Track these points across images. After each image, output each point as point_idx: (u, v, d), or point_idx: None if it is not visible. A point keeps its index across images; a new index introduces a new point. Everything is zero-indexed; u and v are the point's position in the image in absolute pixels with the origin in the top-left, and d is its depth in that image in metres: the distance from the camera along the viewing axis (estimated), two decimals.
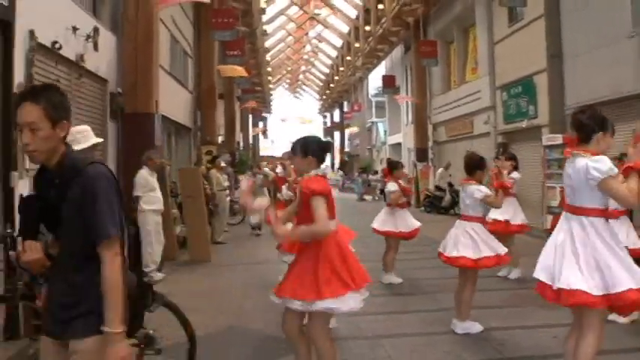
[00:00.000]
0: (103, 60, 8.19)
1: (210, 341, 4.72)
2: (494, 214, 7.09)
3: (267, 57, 35.94)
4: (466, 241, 4.82)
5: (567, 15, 11.96)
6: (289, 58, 45.02)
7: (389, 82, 26.13)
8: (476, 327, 4.91)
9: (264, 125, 63.41)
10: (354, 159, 39.57)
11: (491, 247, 4.85)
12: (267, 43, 37.49)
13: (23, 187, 5.44)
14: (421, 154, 21.27)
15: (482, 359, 4.33)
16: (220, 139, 26.08)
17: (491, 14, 15.40)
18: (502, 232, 6.92)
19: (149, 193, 8.40)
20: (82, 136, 3.67)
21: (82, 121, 7.70)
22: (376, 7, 23.94)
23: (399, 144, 28.42)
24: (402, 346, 4.71)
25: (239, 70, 18.10)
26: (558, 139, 11.23)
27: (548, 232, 4.09)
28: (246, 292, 6.68)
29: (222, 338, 4.82)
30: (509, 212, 7.28)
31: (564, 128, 11.72)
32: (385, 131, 32.79)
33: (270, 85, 46.85)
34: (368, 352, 4.58)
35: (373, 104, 35.56)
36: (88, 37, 7.36)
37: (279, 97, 64.35)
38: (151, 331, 4.00)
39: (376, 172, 27.68)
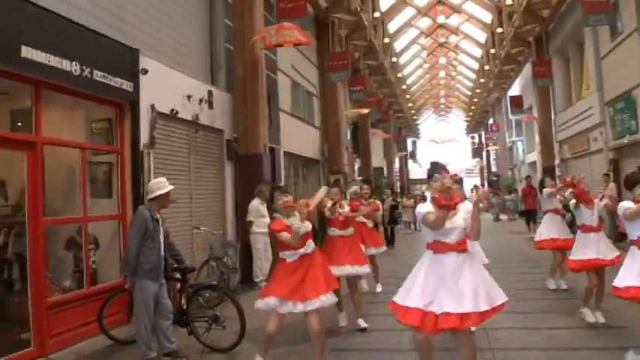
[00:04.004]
0: (218, 115, 10.30)
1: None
2: None
3: (403, 86, 37.27)
4: None
5: None
6: (429, 82, 45.99)
7: (516, 102, 26.21)
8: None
9: (414, 149, 64.49)
10: (499, 179, 39.21)
11: None
12: (406, 71, 39.01)
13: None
14: (548, 173, 21.12)
15: None
16: (357, 166, 28.03)
17: (596, 29, 15.46)
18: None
19: (260, 218, 10.31)
20: (160, 186, 5.57)
21: (203, 165, 9.88)
22: (495, 31, 24.40)
23: (535, 162, 28.05)
24: None
25: (359, 110, 19.54)
26: None
27: None
28: None
29: None
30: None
31: None
32: (523, 150, 32.39)
33: (412, 111, 48.03)
34: None
35: (513, 123, 35.15)
36: (201, 100, 9.49)
37: (428, 120, 65.23)
38: (218, 312, 5.77)
39: (511, 192, 27.61)
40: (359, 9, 19.68)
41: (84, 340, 6.18)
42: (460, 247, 4.03)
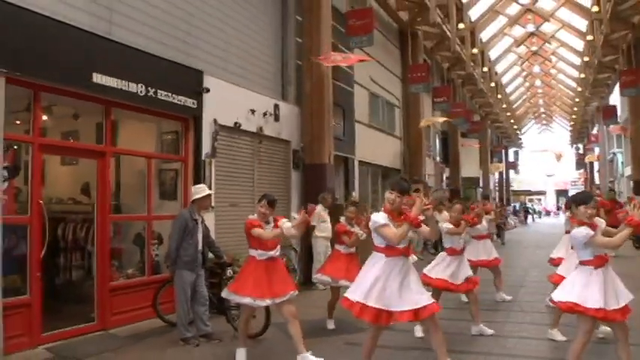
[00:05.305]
0: (284, 126, 11.18)
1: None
2: None
3: (499, 95, 36.60)
4: None
5: None
6: (529, 91, 44.76)
7: (609, 112, 25.14)
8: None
9: (515, 159, 62.29)
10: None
11: None
12: (504, 80, 38.26)
13: (210, 218, 8.42)
14: (638, 187, 20.21)
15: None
16: (445, 175, 28.09)
17: None
18: None
19: (321, 223, 11.03)
20: (199, 191, 6.50)
21: (268, 173, 10.77)
22: (585, 39, 23.65)
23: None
24: None
25: (435, 119, 19.71)
26: None
27: None
28: None
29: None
30: None
31: None
32: (622, 162, 30.80)
33: (512, 120, 46.78)
34: None
35: (614, 135, 33.46)
36: (265, 113, 10.41)
37: (531, 130, 62.96)
38: None
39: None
40: (440, 22, 19.92)
41: (142, 321, 7.23)
42: (407, 252, 4.65)
